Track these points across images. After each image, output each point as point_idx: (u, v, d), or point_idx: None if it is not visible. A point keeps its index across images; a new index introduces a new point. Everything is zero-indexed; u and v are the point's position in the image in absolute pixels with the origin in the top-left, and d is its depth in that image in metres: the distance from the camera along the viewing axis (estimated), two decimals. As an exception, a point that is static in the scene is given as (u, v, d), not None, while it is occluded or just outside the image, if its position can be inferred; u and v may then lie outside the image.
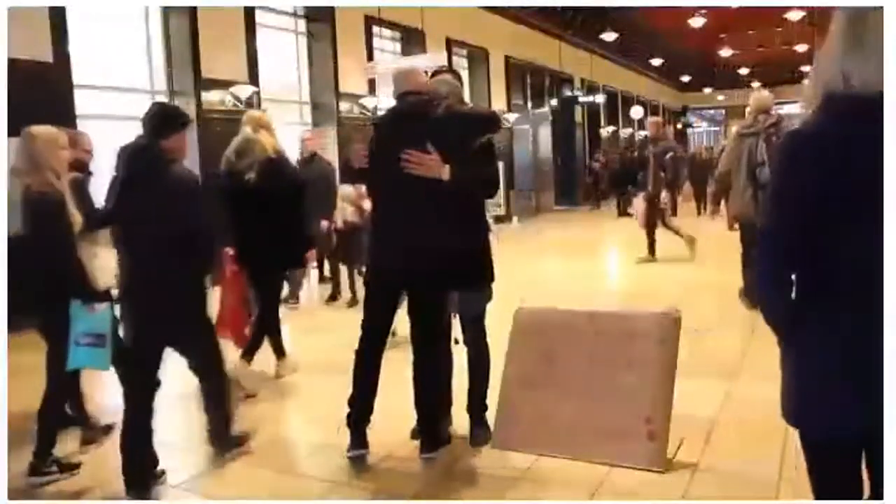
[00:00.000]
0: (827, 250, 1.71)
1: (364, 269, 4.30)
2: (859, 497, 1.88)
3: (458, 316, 3.79)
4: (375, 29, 13.61)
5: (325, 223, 7.41)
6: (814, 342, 1.77)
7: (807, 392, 1.79)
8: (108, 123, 8.75)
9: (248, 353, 4.89)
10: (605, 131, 25.44)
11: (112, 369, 3.59)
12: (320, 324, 6.89)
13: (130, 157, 3.40)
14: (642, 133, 29.58)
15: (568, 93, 22.43)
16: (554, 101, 21.56)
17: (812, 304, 1.75)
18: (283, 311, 6.01)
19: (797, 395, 1.82)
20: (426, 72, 3.81)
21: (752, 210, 5.86)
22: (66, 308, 3.41)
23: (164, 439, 3.58)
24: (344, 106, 12.58)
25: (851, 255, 1.68)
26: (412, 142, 3.36)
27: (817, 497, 1.91)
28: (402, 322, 3.93)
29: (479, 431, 3.74)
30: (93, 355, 3.48)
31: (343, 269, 7.89)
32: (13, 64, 6.90)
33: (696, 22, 20.63)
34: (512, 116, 17.60)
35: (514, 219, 16.38)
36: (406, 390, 3.71)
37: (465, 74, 16.90)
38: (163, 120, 3.45)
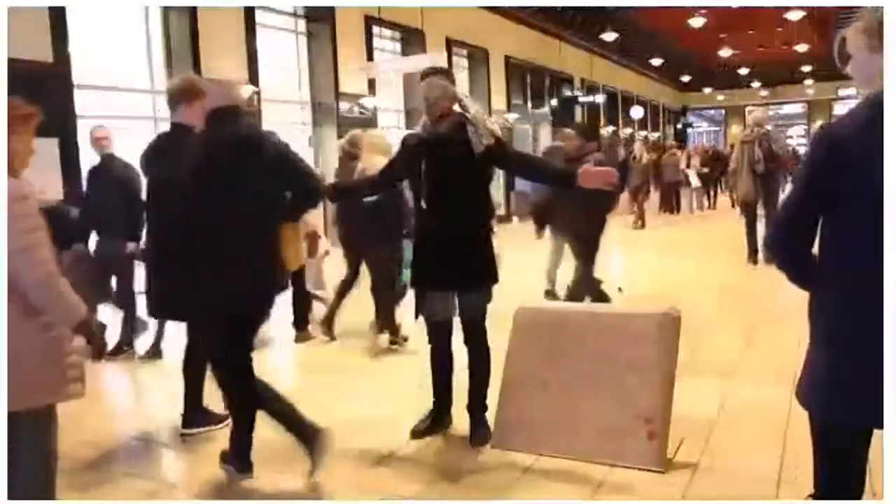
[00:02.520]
0: (845, 240, 1.80)
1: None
2: (863, 481, 1.92)
3: (458, 316, 3.80)
4: (375, 29, 13.60)
5: (131, 245, 5.57)
6: (833, 332, 1.84)
7: (830, 380, 1.85)
8: (107, 123, 8.76)
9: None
10: (605, 131, 25.44)
11: None
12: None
13: None
14: (642, 133, 29.64)
15: (568, 93, 22.42)
16: (554, 101, 21.56)
17: (832, 294, 1.85)
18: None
19: (818, 383, 1.88)
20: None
21: (753, 193, 8.47)
22: (399, 242, 5.51)
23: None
24: (344, 106, 12.58)
25: (870, 247, 1.73)
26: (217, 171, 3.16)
27: (820, 481, 1.95)
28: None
29: (480, 431, 3.74)
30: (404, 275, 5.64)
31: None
32: (13, 64, 6.90)
33: (696, 22, 20.62)
34: (512, 116, 17.60)
35: (515, 219, 16.37)
36: (404, 392, 3.72)
37: (465, 74, 16.90)
38: None
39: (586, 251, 6.00)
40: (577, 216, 5.82)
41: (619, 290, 7.07)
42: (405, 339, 5.67)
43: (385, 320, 5.73)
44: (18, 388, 2.23)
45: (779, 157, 8.46)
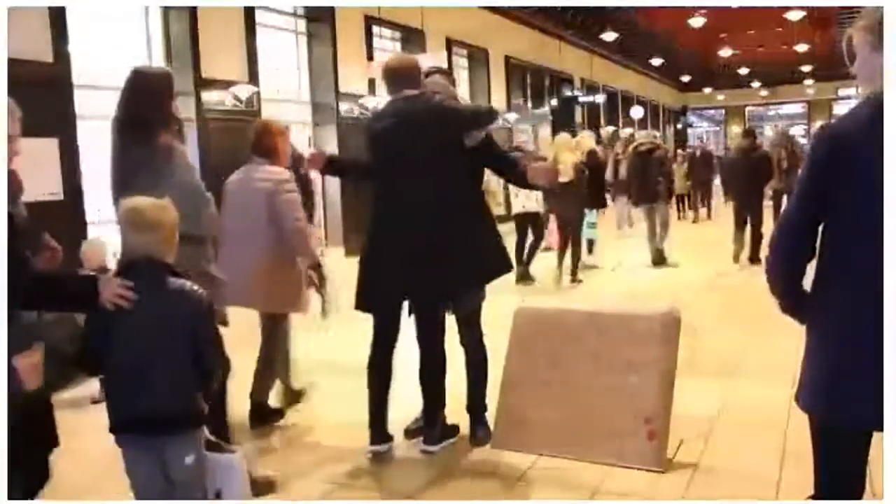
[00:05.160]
0: (845, 240, 1.80)
1: None
2: (863, 482, 1.92)
3: (454, 315, 3.80)
4: (375, 29, 13.59)
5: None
6: (834, 333, 1.84)
7: (831, 382, 1.85)
8: (108, 123, 8.76)
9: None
10: (605, 131, 25.43)
11: None
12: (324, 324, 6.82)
13: None
14: (642, 133, 29.62)
15: (568, 93, 22.42)
16: (554, 101, 21.56)
17: (832, 295, 1.85)
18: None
19: (819, 385, 1.88)
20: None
21: (778, 183, 10.23)
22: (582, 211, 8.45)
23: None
24: (344, 106, 12.57)
25: (870, 247, 1.73)
26: None
27: (820, 483, 1.95)
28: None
29: (479, 431, 3.74)
30: (590, 233, 9.32)
31: None
32: (13, 64, 6.89)
33: (696, 22, 20.64)
34: (512, 116, 17.59)
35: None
36: (404, 392, 3.72)
37: (465, 74, 16.89)
38: None
39: (754, 213, 9.03)
40: (744, 187, 9.11)
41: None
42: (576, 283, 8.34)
43: (573, 266, 8.39)
44: (278, 298, 4.00)
45: (797, 156, 10.67)
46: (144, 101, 3.04)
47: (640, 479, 3.25)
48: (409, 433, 3.82)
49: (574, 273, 8.38)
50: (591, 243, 9.73)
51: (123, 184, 3.00)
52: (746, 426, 3.83)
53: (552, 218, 9.17)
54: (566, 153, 8.34)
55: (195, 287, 2.36)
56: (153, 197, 2.67)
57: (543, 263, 8.74)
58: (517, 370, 3.74)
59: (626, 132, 27.11)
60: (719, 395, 4.27)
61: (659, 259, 9.40)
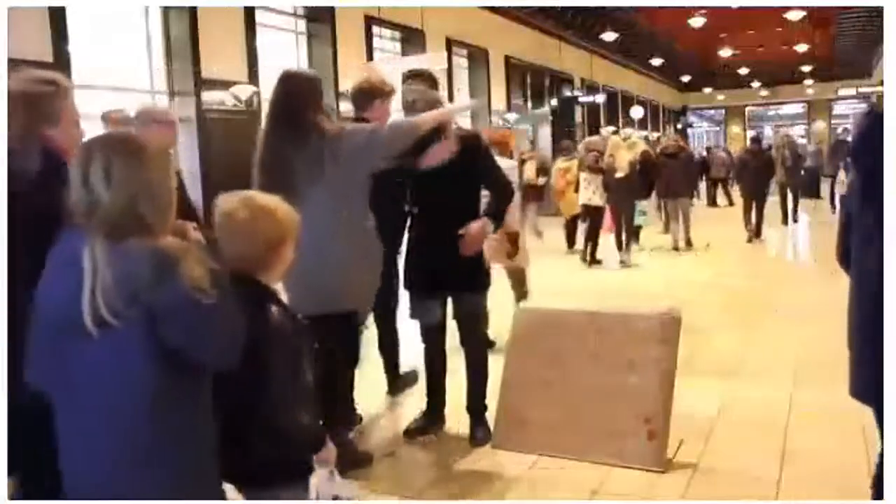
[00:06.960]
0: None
1: None
2: None
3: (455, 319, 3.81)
4: (375, 29, 13.59)
5: None
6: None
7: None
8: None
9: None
10: (605, 131, 25.42)
11: None
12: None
13: None
14: (643, 133, 29.62)
15: (568, 93, 22.41)
16: (554, 101, 21.55)
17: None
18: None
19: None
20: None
21: (784, 179, 12.98)
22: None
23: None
24: (344, 106, 12.58)
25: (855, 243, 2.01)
26: None
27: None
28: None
29: (479, 431, 3.74)
30: (640, 220, 10.11)
31: None
32: (13, 64, 6.89)
33: (696, 22, 20.59)
34: (512, 116, 17.58)
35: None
36: (405, 391, 3.72)
37: (465, 74, 16.88)
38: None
39: (759, 200, 11.34)
40: (753, 181, 11.45)
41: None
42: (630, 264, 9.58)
43: (625, 249, 9.71)
44: None
45: (799, 155, 12.84)
46: (304, 101, 3.19)
47: (639, 479, 3.26)
48: (409, 433, 3.82)
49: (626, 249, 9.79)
50: (638, 229, 10.90)
51: (286, 179, 3.03)
52: (746, 426, 3.83)
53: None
54: (622, 151, 9.69)
55: (287, 313, 1.96)
56: (315, 190, 2.97)
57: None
58: (517, 370, 3.74)
59: (625, 132, 27.13)
60: (719, 395, 4.27)
61: (680, 246, 10.61)
